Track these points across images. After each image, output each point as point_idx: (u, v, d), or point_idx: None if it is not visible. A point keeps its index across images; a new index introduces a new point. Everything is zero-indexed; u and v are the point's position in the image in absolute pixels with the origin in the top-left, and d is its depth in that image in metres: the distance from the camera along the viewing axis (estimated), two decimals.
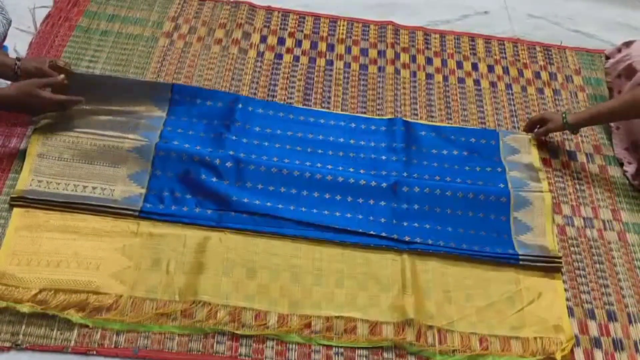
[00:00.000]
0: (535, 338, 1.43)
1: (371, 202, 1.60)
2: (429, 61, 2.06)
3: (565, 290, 1.53)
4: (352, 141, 1.74)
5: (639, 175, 1.76)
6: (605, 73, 1.91)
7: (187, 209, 1.52)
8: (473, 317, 1.45)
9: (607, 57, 1.91)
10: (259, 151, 1.66)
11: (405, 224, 1.58)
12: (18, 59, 1.58)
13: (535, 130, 1.81)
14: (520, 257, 1.54)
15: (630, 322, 1.50)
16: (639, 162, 1.77)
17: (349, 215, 1.57)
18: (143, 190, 1.53)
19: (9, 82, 1.61)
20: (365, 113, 1.85)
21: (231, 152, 1.61)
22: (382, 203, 1.60)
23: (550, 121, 1.76)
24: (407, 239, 1.54)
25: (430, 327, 1.41)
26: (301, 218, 1.54)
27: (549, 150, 1.83)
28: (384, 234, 1.54)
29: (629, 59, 1.81)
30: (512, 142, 1.80)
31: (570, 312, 1.49)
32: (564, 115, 1.71)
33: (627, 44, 1.85)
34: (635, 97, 1.62)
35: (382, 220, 1.57)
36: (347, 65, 1.99)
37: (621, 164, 1.82)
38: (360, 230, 1.54)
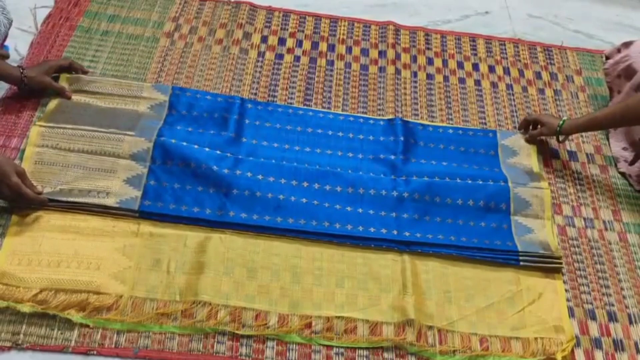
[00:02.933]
0: (535, 338, 1.43)
1: (372, 192, 1.60)
2: (430, 61, 2.06)
3: (566, 290, 1.53)
4: (350, 135, 1.76)
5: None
6: (605, 73, 1.91)
7: (186, 207, 1.52)
8: (473, 317, 1.45)
9: (607, 58, 1.91)
10: (258, 147, 1.67)
11: (405, 215, 1.58)
12: (22, 67, 1.60)
13: (530, 131, 1.81)
14: (521, 257, 1.54)
15: (630, 322, 1.50)
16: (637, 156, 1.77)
17: (349, 209, 1.57)
18: (139, 193, 1.52)
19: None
20: (366, 113, 1.85)
21: (229, 154, 1.62)
22: (383, 192, 1.60)
23: (545, 125, 1.75)
24: (407, 234, 1.54)
25: (431, 327, 1.41)
26: (303, 209, 1.54)
27: (550, 150, 1.83)
28: (384, 230, 1.54)
29: (628, 59, 1.81)
30: (511, 145, 1.80)
31: (571, 312, 1.49)
32: (560, 123, 1.70)
33: (627, 45, 1.85)
34: (628, 106, 1.61)
35: (382, 213, 1.57)
36: (348, 65, 1.99)
37: (616, 164, 1.83)
38: (361, 228, 1.54)
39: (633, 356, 1.44)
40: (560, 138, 1.75)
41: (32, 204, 1.44)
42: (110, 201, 1.48)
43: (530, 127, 1.82)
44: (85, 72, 1.74)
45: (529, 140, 1.80)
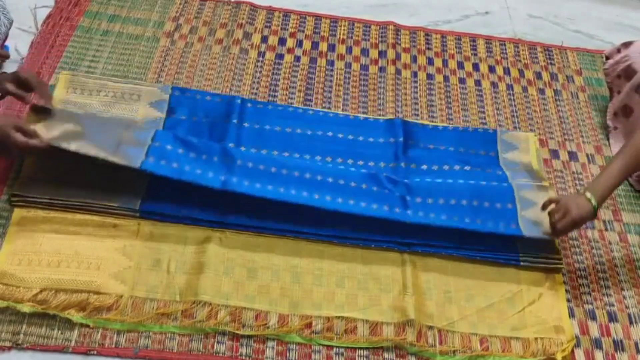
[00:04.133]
0: (535, 339, 1.43)
1: (375, 188, 1.60)
2: (430, 61, 2.06)
3: (566, 290, 1.53)
4: (350, 137, 1.75)
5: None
6: (605, 74, 1.90)
7: (189, 168, 1.49)
8: (473, 317, 1.45)
9: (607, 58, 1.91)
10: (258, 154, 1.66)
11: (408, 198, 1.56)
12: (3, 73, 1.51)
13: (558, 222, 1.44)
14: (521, 258, 1.54)
15: (630, 322, 1.50)
16: None
17: (351, 202, 1.54)
18: (146, 146, 1.50)
19: None
20: (366, 113, 1.85)
21: (222, 177, 1.58)
22: (385, 207, 1.59)
23: (578, 218, 1.39)
24: (409, 212, 1.53)
25: (431, 327, 1.41)
26: (304, 202, 1.50)
27: (550, 151, 1.83)
28: (386, 207, 1.53)
29: (628, 59, 1.81)
30: (510, 139, 1.80)
31: (571, 312, 1.49)
32: (594, 205, 1.39)
33: (626, 45, 1.85)
34: (637, 148, 1.43)
35: (385, 207, 1.55)
36: (348, 65, 2.00)
37: None
38: (364, 204, 1.53)
39: (633, 356, 1.44)
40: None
41: (39, 152, 1.42)
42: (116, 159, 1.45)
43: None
44: (47, 107, 1.52)
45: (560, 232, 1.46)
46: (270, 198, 1.49)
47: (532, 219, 1.54)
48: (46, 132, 1.44)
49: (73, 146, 1.43)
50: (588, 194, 1.40)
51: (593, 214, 1.40)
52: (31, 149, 1.39)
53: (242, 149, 1.61)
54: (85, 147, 1.44)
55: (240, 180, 1.50)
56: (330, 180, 1.56)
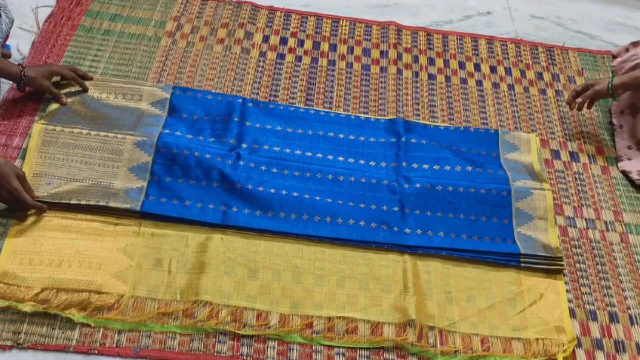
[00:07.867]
0: (536, 339, 1.43)
1: (374, 181, 1.62)
2: (431, 62, 2.06)
3: (567, 291, 1.53)
4: (351, 137, 1.76)
5: None
6: (612, 71, 1.90)
7: (190, 202, 1.52)
8: (474, 317, 1.45)
9: (614, 56, 1.91)
10: (260, 150, 1.67)
11: (407, 210, 1.58)
12: (22, 65, 1.60)
13: (581, 96, 1.79)
14: (522, 260, 1.54)
15: (632, 323, 1.50)
16: None
17: (351, 204, 1.57)
18: (144, 184, 1.53)
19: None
20: (367, 113, 1.85)
21: (233, 158, 1.62)
22: (384, 208, 1.60)
23: (596, 84, 1.75)
24: (407, 231, 1.54)
25: (432, 327, 1.41)
26: (303, 231, 1.53)
27: (551, 151, 1.83)
28: (384, 226, 1.55)
29: (637, 58, 1.81)
30: (511, 140, 1.81)
31: (572, 313, 1.49)
32: (610, 78, 1.72)
33: (635, 44, 1.85)
34: None
35: (384, 208, 1.58)
36: (350, 65, 1.99)
37: (617, 163, 1.83)
38: (363, 223, 1.55)
39: (634, 357, 1.44)
40: (615, 96, 1.75)
41: (30, 209, 1.45)
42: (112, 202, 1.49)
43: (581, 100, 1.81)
44: (88, 78, 1.72)
45: (583, 103, 1.79)
46: (271, 230, 1.52)
47: (528, 234, 1.59)
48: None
49: (65, 200, 1.47)
50: (611, 75, 1.72)
51: (607, 89, 1.71)
52: (22, 201, 1.41)
53: (244, 145, 1.64)
54: (79, 197, 1.48)
55: (240, 209, 1.53)
56: (329, 200, 1.58)
